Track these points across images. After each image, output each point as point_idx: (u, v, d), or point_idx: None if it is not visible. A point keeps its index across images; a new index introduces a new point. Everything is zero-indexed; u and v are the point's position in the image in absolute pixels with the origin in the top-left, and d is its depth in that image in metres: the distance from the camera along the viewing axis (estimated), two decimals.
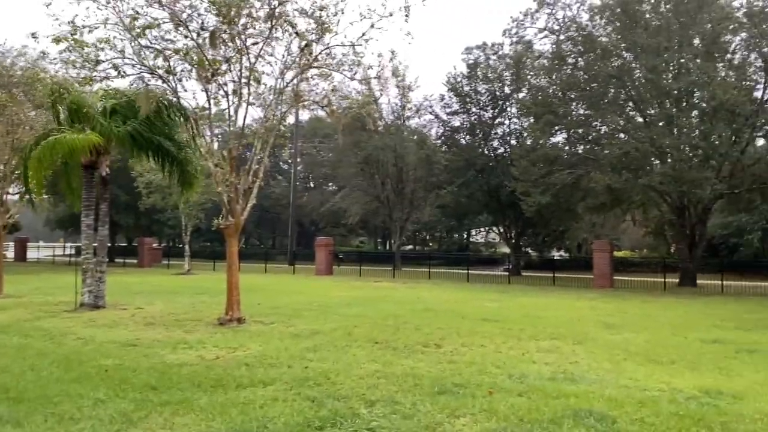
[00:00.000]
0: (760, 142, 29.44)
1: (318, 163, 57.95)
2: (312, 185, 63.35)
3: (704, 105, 26.25)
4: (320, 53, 12.36)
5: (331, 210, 47.94)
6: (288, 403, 6.05)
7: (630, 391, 6.65)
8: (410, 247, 64.79)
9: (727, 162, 26.59)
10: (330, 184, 59.67)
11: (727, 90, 24.49)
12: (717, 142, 26.38)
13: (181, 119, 14.05)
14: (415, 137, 41.78)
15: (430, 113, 41.16)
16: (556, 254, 53.95)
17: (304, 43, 12.13)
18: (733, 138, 26.73)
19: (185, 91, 12.85)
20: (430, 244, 66.30)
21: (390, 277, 31.41)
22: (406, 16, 11.83)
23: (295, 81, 12.59)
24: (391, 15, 11.78)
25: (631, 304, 18.43)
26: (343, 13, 11.90)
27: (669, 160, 26.27)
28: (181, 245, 37.86)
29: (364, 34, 12.00)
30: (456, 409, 5.84)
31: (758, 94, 26.52)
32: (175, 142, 15.82)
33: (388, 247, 58.81)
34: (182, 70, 12.44)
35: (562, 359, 8.66)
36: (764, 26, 25.21)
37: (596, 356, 8.96)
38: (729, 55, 27.39)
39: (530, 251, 50.58)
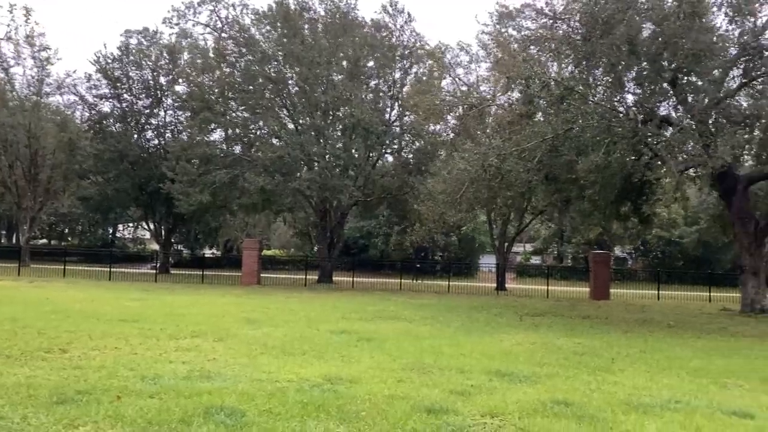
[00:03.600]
0: (389, 158, 34.18)
1: None
2: None
3: (346, 120, 29.36)
4: None
5: None
6: None
7: (262, 384, 6.92)
8: (44, 241, 57.29)
9: (362, 173, 30.22)
10: None
11: (364, 110, 27.87)
12: (356, 155, 29.84)
13: None
14: (59, 118, 37.08)
15: (74, 94, 37.04)
16: (208, 252, 53.99)
17: None
18: (368, 153, 30.55)
19: None
20: (69, 238, 59.61)
21: (15, 274, 27.25)
22: None
23: None
24: None
25: (274, 300, 19.43)
26: None
27: (316, 167, 28.63)
28: None
29: None
30: (76, 419, 5.29)
31: (388, 116, 30.81)
32: None
33: (15, 241, 51.03)
34: None
35: (200, 357, 8.60)
36: (390, 55, 29.38)
37: (235, 352, 9.14)
38: (367, 79, 31.16)
39: (182, 248, 49.56)
